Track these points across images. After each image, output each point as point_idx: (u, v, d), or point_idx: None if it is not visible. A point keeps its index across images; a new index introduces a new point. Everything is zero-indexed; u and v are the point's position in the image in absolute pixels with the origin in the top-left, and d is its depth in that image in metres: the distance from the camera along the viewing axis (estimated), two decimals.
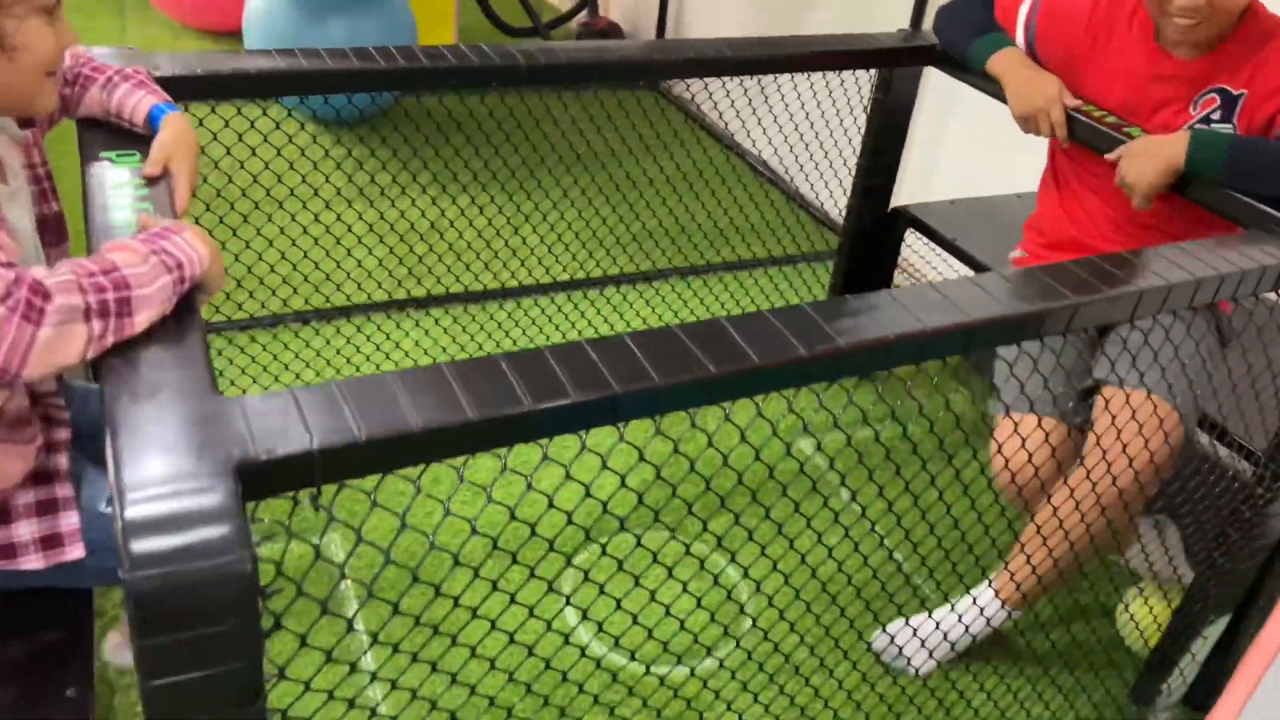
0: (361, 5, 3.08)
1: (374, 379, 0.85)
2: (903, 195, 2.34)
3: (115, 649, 1.46)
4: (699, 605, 1.34)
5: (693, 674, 1.66)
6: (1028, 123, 1.70)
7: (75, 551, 1.08)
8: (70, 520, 1.08)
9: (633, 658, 1.68)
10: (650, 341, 0.94)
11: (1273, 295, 1.32)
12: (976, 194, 2.30)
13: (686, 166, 3.23)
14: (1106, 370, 1.54)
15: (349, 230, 2.53)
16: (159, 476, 0.73)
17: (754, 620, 1.72)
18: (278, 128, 2.00)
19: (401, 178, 2.93)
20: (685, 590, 1.28)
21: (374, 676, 1.57)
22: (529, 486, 0.91)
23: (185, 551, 0.70)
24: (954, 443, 2.04)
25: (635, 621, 1.26)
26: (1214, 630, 1.60)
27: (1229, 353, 1.67)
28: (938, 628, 1.60)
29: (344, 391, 0.83)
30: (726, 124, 3.43)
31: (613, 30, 4.06)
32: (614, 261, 2.74)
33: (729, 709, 1.56)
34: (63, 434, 1.12)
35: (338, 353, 2.30)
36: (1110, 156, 1.56)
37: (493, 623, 1.06)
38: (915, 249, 2.26)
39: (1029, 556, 1.49)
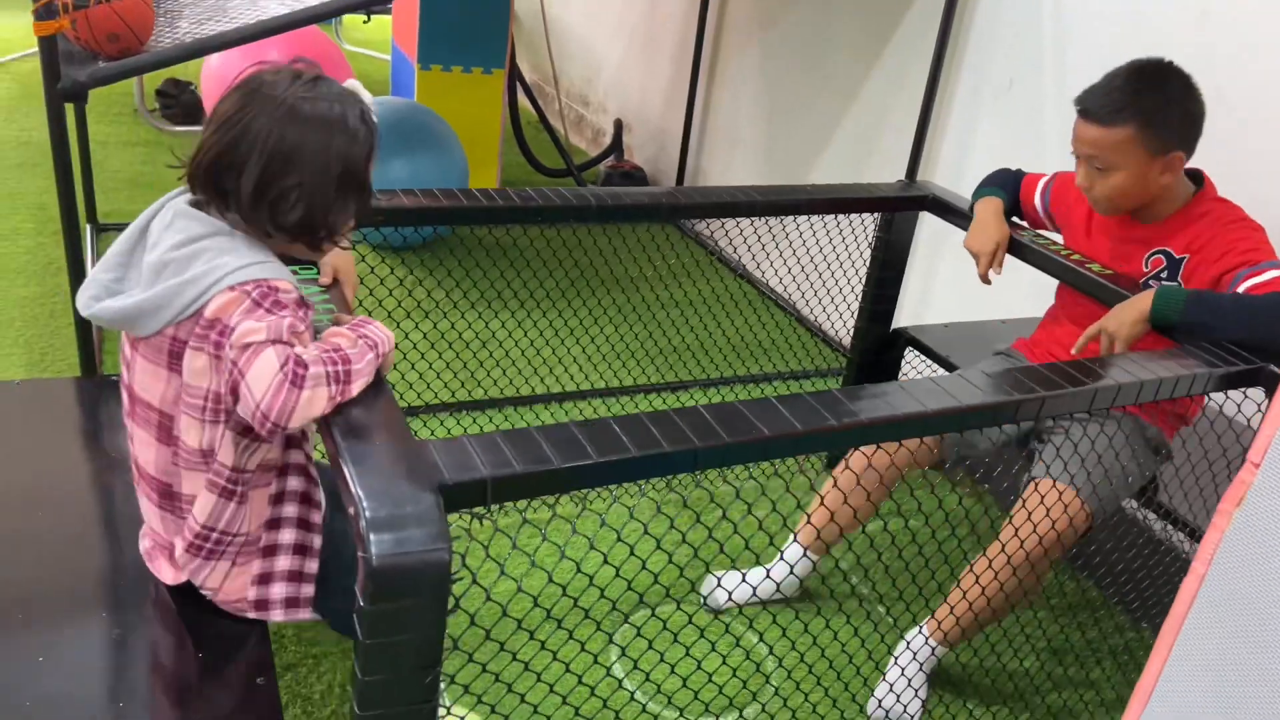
0: (420, 148, 3.50)
1: (522, 431, 1.15)
2: (902, 318, 2.68)
3: None
4: (734, 674, 1.59)
5: None
6: (971, 254, 2.10)
7: (305, 614, 1.38)
8: (308, 590, 1.37)
9: (681, 713, 1.92)
10: (719, 413, 1.24)
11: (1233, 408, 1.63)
12: (965, 318, 2.64)
13: (706, 292, 3.61)
14: (1038, 467, 1.91)
15: (412, 345, 2.86)
16: (388, 491, 1.02)
17: (776, 689, 1.97)
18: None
19: (455, 295, 3.28)
20: (725, 661, 1.52)
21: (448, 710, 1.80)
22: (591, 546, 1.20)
23: (406, 540, 0.98)
24: (923, 536, 2.33)
25: (684, 682, 1.51)
26: None
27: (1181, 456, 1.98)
28: (902, 673, 1.89)
29: (502, 438, 1.13)
30: (740, 258, 3.82)
31: (637, 173, 4.49)
32: (644, 372, 3.07)
33: None
34: (295, 483, 1.38)
35: None
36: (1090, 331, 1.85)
37: (567, 665, 1.33)
38: (914, 364, 2.58)
39: (952, 607, 1.87)
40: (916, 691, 1.92)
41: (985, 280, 2.07)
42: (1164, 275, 1.88)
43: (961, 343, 2.46)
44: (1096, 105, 1.81)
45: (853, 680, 1.95)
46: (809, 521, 2.03)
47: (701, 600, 2.10)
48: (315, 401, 1.14)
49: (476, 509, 1.08)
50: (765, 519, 2.36)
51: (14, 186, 3.73)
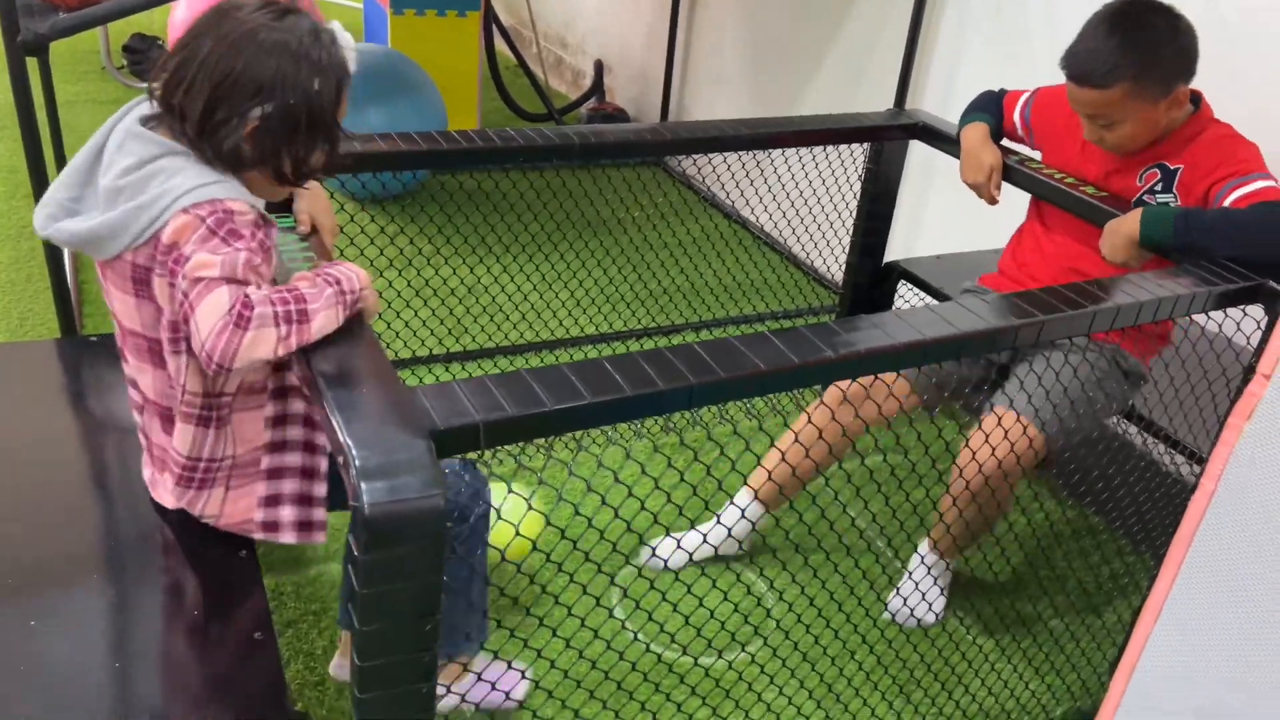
0: (398, 94, 3.42)
1: (513, 374, 1.12)
2: (894, 252, 2.65)
3: (338, 668, 1.72)
4: (736, 610, 1.59)
5: (730, 666, 1.90)
6: (970, 187, 2.06)
7: (320, 537, 1.37)
8: (320, 515, 1.37)
9: (684, 651, 1.92)
10: (713, 349, 1.22)
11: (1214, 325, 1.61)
12: (956, 249, 2.61)
13: (696, 233, 3.56)
14: (999, 396, 1.93)
15: (397, 294, 2.82)
16: (377, 438, 0.99)
17: (778, 622, 1.97)
18: None
19: (439, 244, 3.23)
20: (726, 598, 1.54)
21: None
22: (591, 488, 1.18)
23: (399, 488, 0.96)
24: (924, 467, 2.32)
25: (686, 620, 1.51)
26: None
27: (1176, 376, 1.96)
28: (916, 587, 1.99)
29: (494, 383, 1.10)
30: (729, 197, 3.77)
31: (619, 115, 4.42)
32: (635, 316, 3.03)
33: (759, 698, 1.81)
34: (297, 406, 1.37)
35: None
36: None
37: (569, 609, 1.32)
38: (907, 298, 2.55)
39: (941, 524, 1.94)
40: (925, 596, 1.99)
41: (993, 202, 2.05)
42: (1158, 188, 1.85)
43: (954, 274, 2.43)
44: (1085, 69, 1.75)
45: (854, 611, 1.95)
46: (768, 473, 2.01)
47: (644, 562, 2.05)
48: (260, 343, 1.11)
49: (469, 454, 1.06)
50: (754, 443, 2.34)
51: None
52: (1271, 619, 0.89)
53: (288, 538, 1.37)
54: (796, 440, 1.96)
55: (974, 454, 1.80)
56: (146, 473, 1.43)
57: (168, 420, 1.35)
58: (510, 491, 1.68)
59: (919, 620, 2.00)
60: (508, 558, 1.47)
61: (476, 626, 1.57)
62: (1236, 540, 0.91)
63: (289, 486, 1.37)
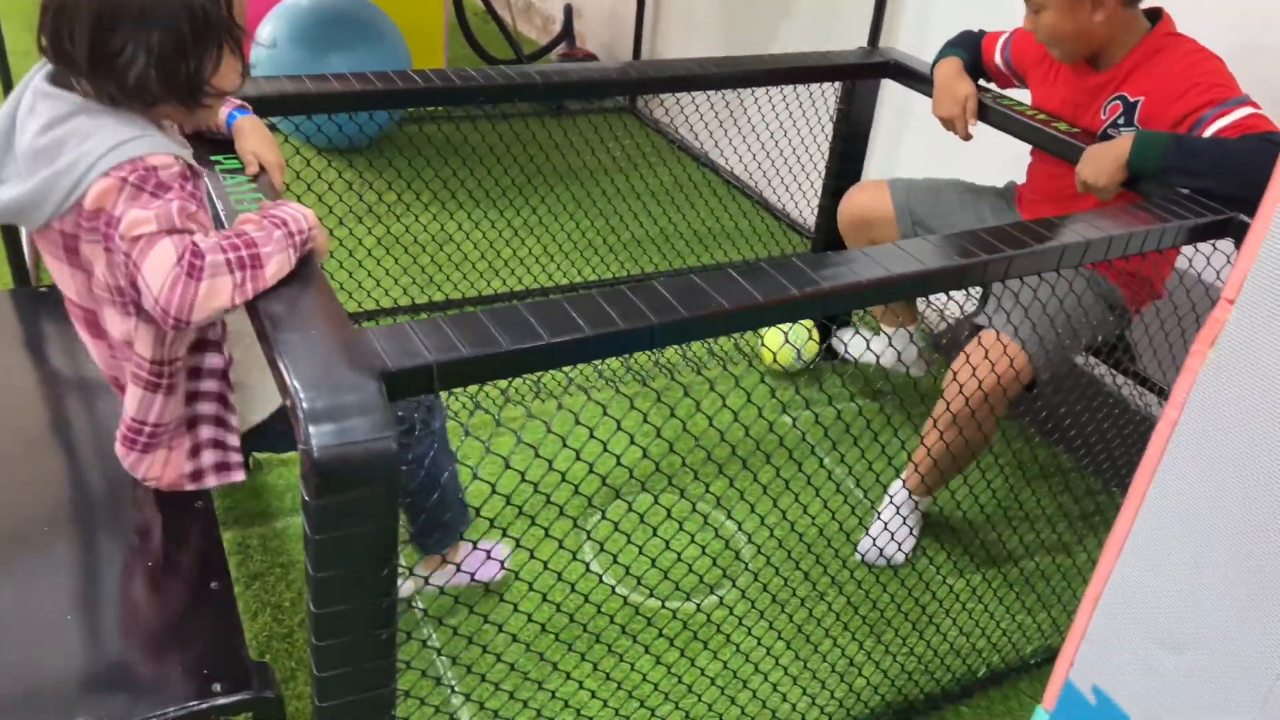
0: (360, 41, 3.34)
1: (468, 315, 1.09)
2: None
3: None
4: (704, 552, 1.59)
5: (699, 609, 1.90)
6: (942, 123, 2.03)
7: (238, 475, 1.38)
8: (236, 457, 1.38)
9: (651, 595, 1.92)
10: (677, 288, 1.19)
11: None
12: None
13: (667, 181, 3.51)
14: (981, 318, 1.90)
15: (363, 248, 2.76)
16: (326, 380, 0.96)
17: (747, 565, 1.97)
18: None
19: (406, 196, 3.17)
20: (693, 540, 1.54)
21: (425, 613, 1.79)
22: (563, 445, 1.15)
23: (349, 431, 0.93)
24: (898, 416, 2.31)
25: (653, 563, 1.50)
26: None
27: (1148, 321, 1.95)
28: (885, 527, 2.00)
29: (448, 323, 1.07)
30: (699, 142, 3.71)
31: (590, 60, 4.34)
32: (606, 266, 2.99)
33: (728, 640, 1.81)
34: (215, 360, 1.35)
35: None
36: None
37: (545, 563, 1.30)
38: None
39: (918, 458, 1.96)
40: (895, 537, 1.99)
41: (966, 137, 2.02)
42: (1121, 122, 1.83)
43: None
44: None
45: (825, 554, 1.95)
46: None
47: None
48: (217, 292, 1.08)
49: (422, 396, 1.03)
50: (729, 395, 2.33)
51: None
52: (1223, 549, 0.89)
53: (210, 481, 1.38)
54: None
55: (955, 375, 1.79)
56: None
57: (121, 390, 1.34)
58: (466, 435, 1.68)
59: (888, 560, 2.01)
60: None
61: (455, 517, 1.63)
62: (1198, 469, 0.90)
63: (205, 433, 1.37)
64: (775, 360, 2.47)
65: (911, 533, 2.03)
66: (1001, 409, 1.84)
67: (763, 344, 2.55)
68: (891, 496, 2.04)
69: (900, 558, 2.02)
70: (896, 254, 1.33)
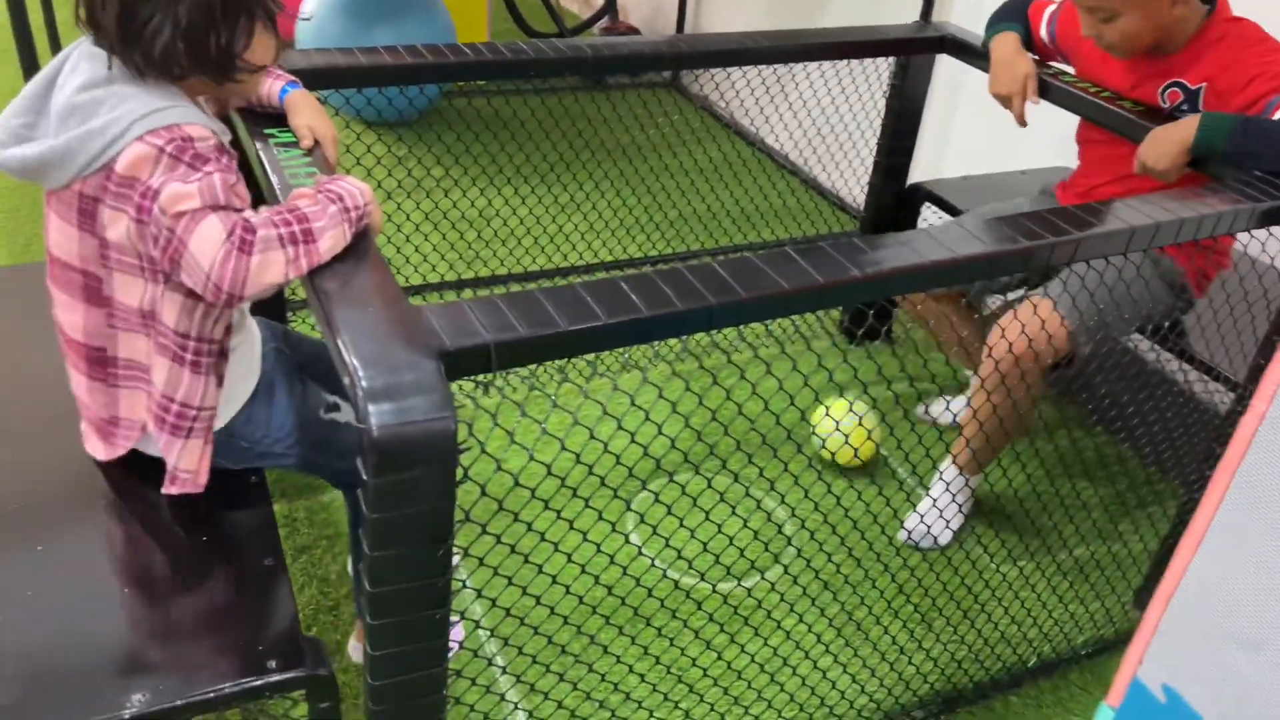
0: (405, 13, 3.32)
1: (525, 294, 1.07)
2: (917, 173, 2.56)
3: (355, 650, 1.68)
4: (756, 537, 1.56)
5: (749, 592, 1.88)
6: (999, 100, 1.96)
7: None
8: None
9: (702, 578, 1.90)
10: (735, 268, 1.16)
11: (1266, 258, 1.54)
12: (983, 170, 2.52)
13: (716, 157, 3.47)
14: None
15: (410, 223, 2.76)
16: (385, 359, 0.95)
17: (796, 547, 1.95)
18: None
19: (453, 171, 3.16)
20: (745, 524, 1.51)
21: (475, 591, 1.79)
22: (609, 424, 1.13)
23: (408, 410, 0.92)
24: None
25: (704, 547, 1.48)
26: None
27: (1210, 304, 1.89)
28: (934, 504, 1.98)
29: (505, 302, 1.05)
30: (749, 118, 3.66)
31: (633, 34, 4.29)
32: (651, 243, 2.97)
33: (776, 623, 1.79)
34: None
35: None
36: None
37: (584, 534, 1.29)
38: (931, 222, 2.48)
39: (965, 434, 1.93)
40: (944, 514, 1.96)
41: (1022, 122, 1.95)
42: (1185, 108, 1.76)
43: (981, 197, 2.35)
44: None
45: (873, 535, 1.92)
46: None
47: None
48: (269, 267, 1.07)
49: (483, 377, 1.01)
50: (785, 379, 2.30)
51: None
52: None
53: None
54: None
55: (990, 349, 1.75)
56: (82, 425, 1.35)
57: (95, 364, 1.27)
58: (523, 415, 1.65)
59: (935, 539, 1.98)
60: None
61: None
62: None
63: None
64: (834, 457, 2.17)
65: (960, 510, 2.00)
66: (1036, 375, 1.79)
67: (814, 432, 2.20)
68: (941, 473, 2.01)
69: (948, 536, 1.99)
70: (961, 235, 1.30)
